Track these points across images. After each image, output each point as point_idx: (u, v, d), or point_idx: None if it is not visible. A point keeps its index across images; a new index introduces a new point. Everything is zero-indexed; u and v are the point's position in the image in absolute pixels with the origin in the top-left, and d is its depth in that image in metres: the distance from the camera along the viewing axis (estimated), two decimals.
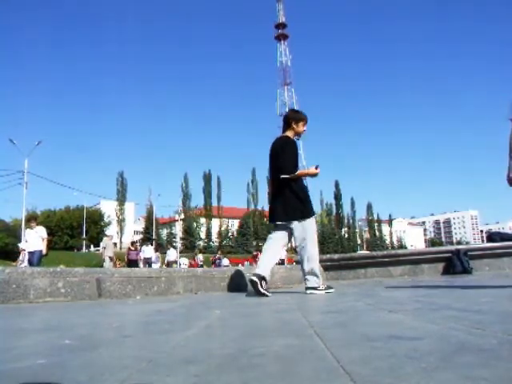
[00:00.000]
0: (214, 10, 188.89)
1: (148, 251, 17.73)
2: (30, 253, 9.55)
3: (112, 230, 57.79)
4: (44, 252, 9.71)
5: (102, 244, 17.07)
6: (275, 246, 3.96)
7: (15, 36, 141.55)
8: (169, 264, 20.21)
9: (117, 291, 4.24)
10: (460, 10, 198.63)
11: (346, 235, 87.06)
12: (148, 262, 17.15)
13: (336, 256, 7.00)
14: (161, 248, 57.94)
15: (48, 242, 9.95)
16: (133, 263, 16.42)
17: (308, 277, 3.82)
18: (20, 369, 1.19)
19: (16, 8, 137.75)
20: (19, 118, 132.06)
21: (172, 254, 21.58)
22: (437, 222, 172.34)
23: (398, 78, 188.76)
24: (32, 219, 10.80)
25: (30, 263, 9.25)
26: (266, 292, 3.71)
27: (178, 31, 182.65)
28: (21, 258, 10.20)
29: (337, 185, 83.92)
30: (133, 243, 17.51)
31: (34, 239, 9.63)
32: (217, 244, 66.20)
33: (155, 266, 17.43)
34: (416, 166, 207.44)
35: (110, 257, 15.26)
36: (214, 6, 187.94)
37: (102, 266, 13.24)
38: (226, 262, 25.81)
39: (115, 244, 19.90)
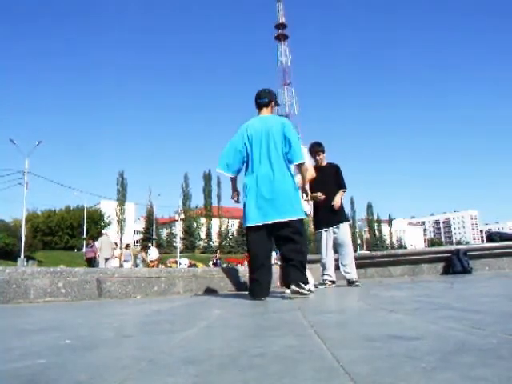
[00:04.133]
0: (213, 10, 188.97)
1: None
2: None
3: (112, 230, 57.77)
4: None
5: (97, 243, 15.39)
6: None
7: (15, 35, 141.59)
8: (152, 264, 17.78)
9: (117, 291, 4.24)
10: (461, 9, 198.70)
11: None
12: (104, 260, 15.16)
13: (336, 256, 6.98)
14: (160, 248, 57.94)
15: None
16: (89, 261, 15.05)
17: None
18: (20, 369, 1.19)
19: (15, 7, 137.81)
20: (19, 118, 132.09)
21: (153, 254, 18.93)
22: (437, 222, 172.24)
23: (398, 79, 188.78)
24: None
25: None
26: None
27: (177, 32, 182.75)
28: None
29: None
30: (89, 239, 16.03)
31: None
32: (217, 244, 66.09)
33: (127, 264, 15.51)
34: (416, 166, 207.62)
35: (105, 258, 14.19)
36: (213, 6, 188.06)
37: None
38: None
39: (116, 244, 18.46)
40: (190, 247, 63.35)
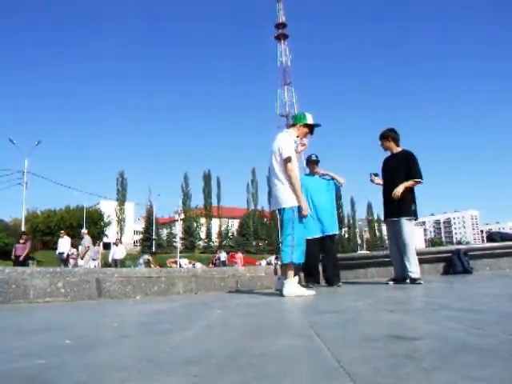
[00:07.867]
0: (213, 10, 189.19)
1: (62, 245, 14.07)
2: None
3: (112, 230, 57.73)
4: None
5: (83, 241, 14.03)
6: None
7: (15, 35, 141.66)
8: (116, 263, 16.06)
9: (117, 291, 4.23)
10: (461, 9, 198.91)
11: (346, 235, 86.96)
12: (61, 259, 13.91)
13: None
14: (160, 248, 57.84)
15: None
16: (17, 259, 12.64)
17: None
18: (20, 369, 1.19)
19: (16, 8, 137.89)
20: (19, 117, 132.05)
21: (118, 252, 16.51)
22: (437, 222, 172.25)
23: (398, 78, 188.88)
24: None
25: None
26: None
27: (177, 31, 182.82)
28: None
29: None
30: (21, 235, 13.44)
31: None
32: (217, 244, 66.07)
33: (95, 262, 14.17)
34: None
35: (93, 258, 13.51)
36: (213, 5, 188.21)
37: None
38: (223, 256, 25.46)
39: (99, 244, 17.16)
40: (189, 247, 63.31)
